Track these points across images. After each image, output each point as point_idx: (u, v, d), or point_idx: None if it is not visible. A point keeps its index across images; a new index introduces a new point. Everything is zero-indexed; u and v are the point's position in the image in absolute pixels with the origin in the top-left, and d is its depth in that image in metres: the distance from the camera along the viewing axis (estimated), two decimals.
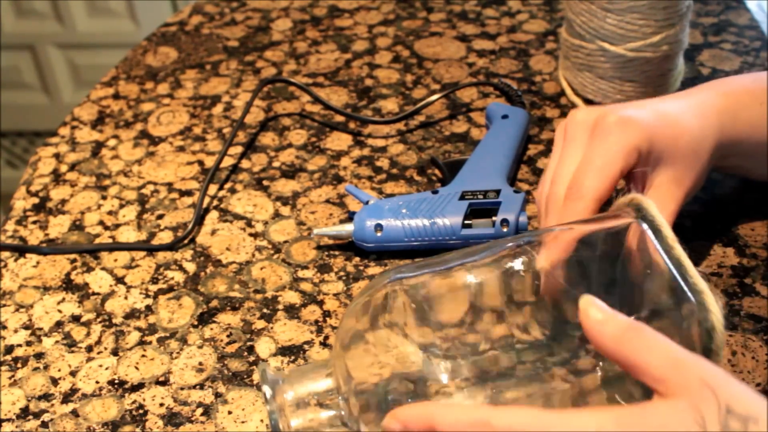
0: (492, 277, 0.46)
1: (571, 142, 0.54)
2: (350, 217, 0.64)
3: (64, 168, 0.73)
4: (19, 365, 0.56)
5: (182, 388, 0.54)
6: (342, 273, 0.61)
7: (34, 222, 0.68)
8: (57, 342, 0.58)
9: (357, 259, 0.62)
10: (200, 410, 0.52)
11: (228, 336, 0.57)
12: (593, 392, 0.45)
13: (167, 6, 1.76)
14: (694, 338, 0.42)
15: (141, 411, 0.53)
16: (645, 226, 0.44)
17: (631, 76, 0.71)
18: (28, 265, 0.64)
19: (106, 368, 0.56)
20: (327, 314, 0.58)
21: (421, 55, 0.84)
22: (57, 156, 0.75)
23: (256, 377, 0.54)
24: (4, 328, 0.59)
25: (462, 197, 0.62)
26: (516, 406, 0.41)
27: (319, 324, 0.57)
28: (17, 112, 1.95)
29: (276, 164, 0.72)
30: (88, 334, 0.58)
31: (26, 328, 0.59)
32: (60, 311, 0.60)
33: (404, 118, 0.74)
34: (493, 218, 0.60)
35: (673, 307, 0.43)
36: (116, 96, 0.82)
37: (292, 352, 0.56)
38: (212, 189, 0.69)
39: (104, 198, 0.70)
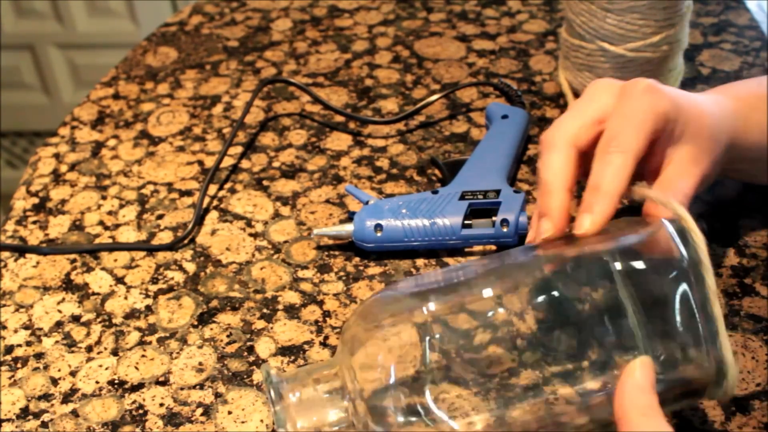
0: (505, 287, 0.46)
1: (588, 99, 0.51)
2: (350, 217, 0.64)
3: (64, 168, 0.73)
4: (19, 365, 0.56)
5: (182, 388, 0.54)
6: (342, 273, 0.61)
7: (34, 222, 0.68)
8: (57, 342, 0.58)
9: (357, 259, 0.62)
10: (200, 410, 0.52)
11: (228, 336, 0.57)
12: (598, 405, 0.44)
13: (167, 6, 1.76)
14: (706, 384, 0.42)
15: (141, 411, 0.53)
16: (688, 261, 0.42)
17: (631, 76, 0.71)
18: (28, 265, 0.64)
19: (106, 368, 0.56)
20: (327, 314, 0.58)
21: (421, 55, 0.84)
22: (57, 156, 0.75)
23: (256, 377, 0.54)
24: (4, 328, 0.59)
25: (462, 197, 0.62)
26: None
27: (319, 324, 0.57)
28: (17, 112, 1.95)
29: (276, 164, 0.72)
30: (88, 334, 0.58)
31: (26, 328, 0.59)
32: (60, 311, 0.60)
33: (404, 118, 0.74)
34: (493, 218, 0.60)
35: (692, 353, 0.43)
36: (116, 96, 0.82)
37: (292, 352, 0.56)
38: (212, 189, 0.70)
39: (104, 198, 0.70)
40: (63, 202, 0.70)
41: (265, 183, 0.70)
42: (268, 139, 0.75)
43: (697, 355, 0.42)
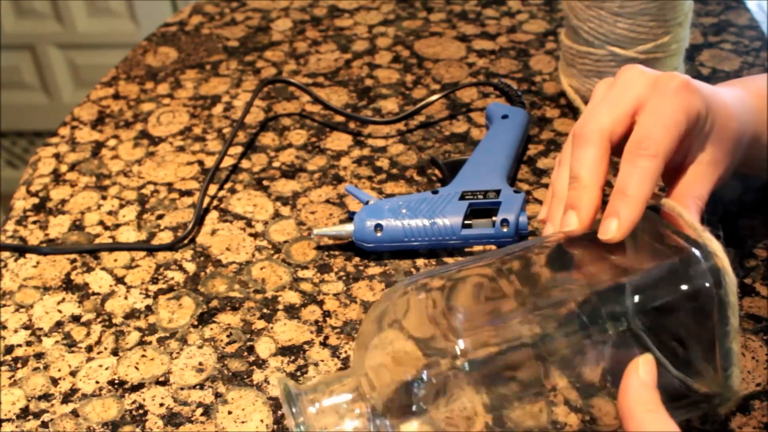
0: (511, 271, 0.46)
1: (622, 89, 0.49)
2: (350, 217, 0.64)
3: (64, 168, 0.73)
4: (19, 365, 0.56)
5: (182, 388, 0.54)
6: (342, 273, 0.61)
7: (34, 222, 0.68)
8: (57, 342, 0.58)
9: (357, 259, 0.62)
10: (200, 410, 0.52)
11: (228, 336, 0.57)
12: (599, 392, 0.45)
13: (167, 6, 1.76)
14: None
15: (141, 411, 0.53)
16: (717, 302, 0.42)
17: None
18: (28, 265, 0.64)
19: (106, 368, 0.56)
20: (327, 314, 0.58)
21: (421, 55, 0.84)
22: (57, 156, 0.75)
23: (256, 377, 0.54)
24: (4, 328, 0.59)
25: (462, 197, 0.62)
26: None
27: (319, 324, 0.57)
28: (17, 112, 1.95)
29: (276, 164, 0.72)
30: (88, 334, 0.58)
31: (26, 328, 0.59)
32: (60, 311, 0.60)
33: (404, 118, 0.74)
34: (493, 218, 0.60)
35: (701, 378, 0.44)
36: (116, 96, 0.82)
37: (292, 352, 0.56)
38: (212, 189, 0.70)
39: (104, 198, 0.70)
40: (63, 202, 0.70)
41: (265, 183, 0.70)
42: (268, 139, 0.75)
43: (706, 380, 0.44)
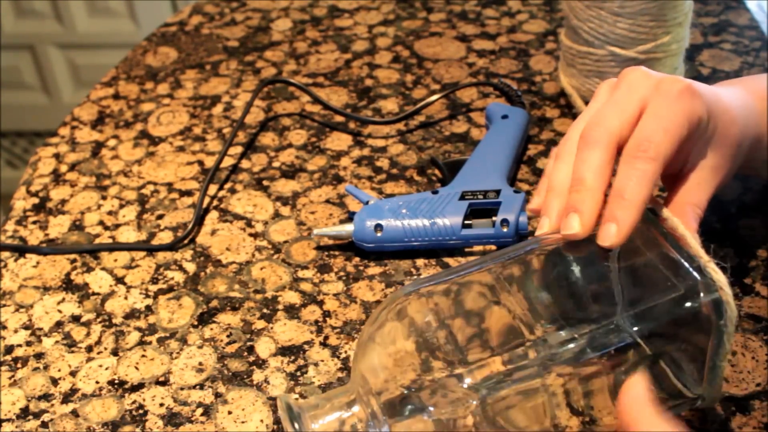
0: (505, 276, 0.47)
1: (627, 91, 0.49)
2: (350, 217, 0.64)
3: (64, 168, 0.73)
4: (19, 365, 0.56)
5: (182, 388, 0.54)
6: (342, 273, 0.61)
7: (34, 222, 0.68)
8: (57, 342, 0.58)
9: (357, 259, 0.62)
10: (200, 410, 0.52)
11: (228, 336, 0.57)
12: (597, 391, 0.45)
13: (167, 6, 1.76)
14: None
15: (141, 411, 0.53)
16: (716, 329, 0.44)
17: None
18: (28, 265, 0.64)
19: (106, 368, 0.56)
20: (327, 314, 0.58)
21: (421, 55, 0.84)
22: (57, 156, 0.75)
23: (256, 377, 0.54)
24: (4, 328, 0.59)
25: (462, 197, 0.62)
26: None
27: (319, 324, 0.57)
28: (17, 112, 1.95)
29: (276, 164, 0.72)
30: (88, 334, 0.58)
31: (26, 328, 0.59)
32: (60, 311, 0.60)
33: (404, 119, 0.74)
34: (493, 218, 0.60)
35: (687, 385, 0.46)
36: (116, 96, 0.82)
37: (292, 352, 0.56)
38: (212, 189, 0.69)
39: (104, 198, 0.70)
40: (63, 202, 0.70)
41: (265, 183, 0.70)
42: (268, 139, 0.75)
43: (690, 384, 0.45)
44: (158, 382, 0.54)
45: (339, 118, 0.76)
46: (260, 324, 0.58)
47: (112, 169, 0.73)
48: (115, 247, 0.64)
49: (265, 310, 0.59)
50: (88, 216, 0.68)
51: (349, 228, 0.61)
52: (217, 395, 0.53)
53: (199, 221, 0.66)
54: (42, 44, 1.85)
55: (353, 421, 0.44)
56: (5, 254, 0.65)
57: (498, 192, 0.62)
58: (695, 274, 0.44)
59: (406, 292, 0.46)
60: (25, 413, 0.53)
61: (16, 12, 1.83)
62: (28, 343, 0.58)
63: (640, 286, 0.48)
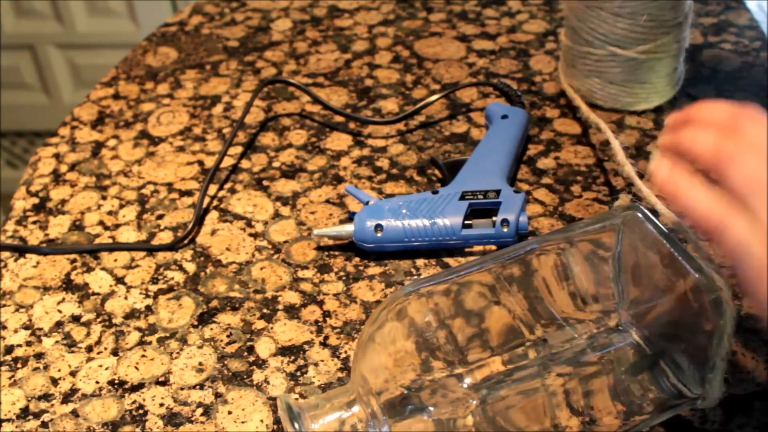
0: (504, 276, 0.47)
1: None
2: (350, 217, 0.64)
3: (64, 168, 0.73)
4: (19, 365, 0.56)
5: (182, 388, 0.54)
6: (342, 273, 0.61)
7: (34, 222, 0.68)
8: (57, 342, 0.58)
9: (357, 259, 0.62)
10: (200, 410, 0.52)
11: (228, 336, 0.57)
12: (597, 391, 0.45)
13: (167, 6, 1.76)
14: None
15: (141, 411, 0.53)
16: (715, 327, 0.44)
17: (642, 78, 0.71)
18: (28, 265, 0.64)
19: (106, 368, 0.56)
20: (327, 314, 0.58)
21: (421, 55, 0.84)
22: (57, 156, 0.75)
23: (256, 377, 0.54)
24: (4, 328, 0.59)
25: (462, 197, 0.62)
26: None
27: (319, 324, 0.57)
28: (17, 112, 1.95)
29: (276, 164, 0.72)
30: (88, 334, 0.58)
31: (26, 328, 0.59)
32: (60, 311, 0.60)
33: (404, 119, 0.74)
34: (494, 218, 0.60)
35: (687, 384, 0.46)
36: (116, 96, 0.82)
37: (292, 352, 0.56)
38: (212, 189, 0.69)
39: (104, 198, 0.70)
40: (63, 202, 0.70)
41: (265, 183, 0.70)
42: (268, 139, 0.75)
43: (692, 385, 0.46)
44: (158, 382, 0.54)
45: (339, 118, 0.76)
46: (260, 324, 0.58)
47: (112, 169, 0.73)
48: (115, 247, 0.64)
49: (265, 310, 0.59)
50: (88, 216, 0.68)
51: (349, 228, 0.61)
52: (217, 395, 0.53)
53: (199, 221, 0.66)
54: (42, 44, 1.85)
55: (353, 421, 0.44)
56: (5, 254, 0.65)
57: (498, 192, 0.62)
58: (695, 274, 0.44)
59: (406, 292, 0.46)
60: (25, 413, 0.53)
61: (16, 12, 1.83)
62: (28, 343, 0.58)
63: (640, 286, 0.48)
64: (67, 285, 0.62)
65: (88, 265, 0.63)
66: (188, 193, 0.70)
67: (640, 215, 0.47)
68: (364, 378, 0.44)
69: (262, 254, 0.63)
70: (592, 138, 0.72)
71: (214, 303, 0.60)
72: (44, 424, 0.52)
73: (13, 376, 0.55)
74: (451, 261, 0.61)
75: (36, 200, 0.70)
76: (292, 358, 0.55)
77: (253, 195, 0.69)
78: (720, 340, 0.43)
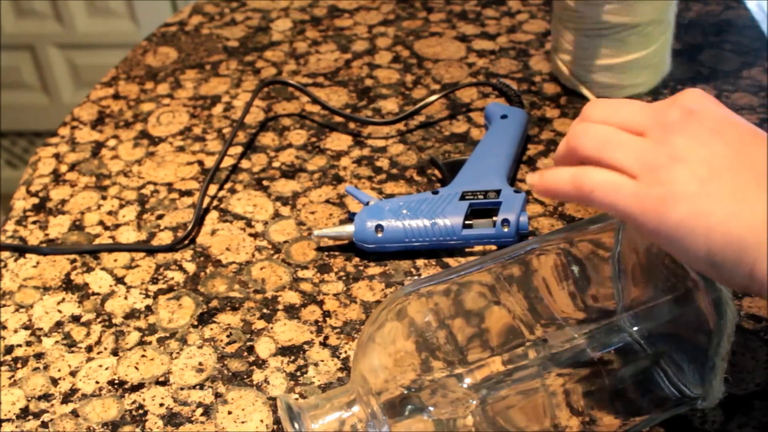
0: (503, 276, 0.47)
1: None
2: (350, 217, 0.64)
3: (64, 168, 0.73)
4: (19, 365, 0.56)
5: (182, 388, 0.54)
6: (342, 273, 0.61)
7: (34, 222, 0.68)
8: (57, 342, 0.58)
9: (357, 259, 0.62)
10: (200, 410, 0.52)
11: (228, 336, 0.57)
12: (597, 391, 0.45)
13: (167, 6, 1.76)
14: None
15: (141, 411, 0.53)
16: (715, 329, 0.44)
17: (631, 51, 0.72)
18: (28, 265, 0.64)
19: (106, 368, 0.56)
20: (327, 314, 0.58)
21: (421, 55, 0.84)
22: (57, 156, 0.75)
23: (256, 377, 0.54)
24: (4, 328, 0.59)
25: (462, 197, 0.62)
26: None
27: (319, 324, 0.57)
28: (17, 112, 1.95)
29: (276, 164, 0.72)
30: (88, 334, 0.58)
31: (26, 328, 0.59)
32: (60, 311, 0.60)
33: (404, 119, 0.74)
34: (494, 218, 0.60)
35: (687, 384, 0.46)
36: (116, 96, 0.82)
37: (292, 352, 0.56)
38: (212, 189, 0.69)
39: (104, 198, 0.70)
40: (63, 202, 0.69)
41: (265, 183, 0.70)
42: (268, 139, 0.75)
43: (691, 384, 0.46)
44: (158, 382, 0.54)
45: (339, 118, 0.76)
46: (260, 324, 0.58)
47: (112, 169, 0.73)
48: (115, 247, 0.64)
49: (265, 310, 0.59)
50: (88, 216, 0.68)
51: (349, 229, 0.61)
52: (217, 395, 0.53)
53: (199, 221, 0.66)
54: (42, 44, 1.85)
55: (353, 421, 0.44)
56: (5, 254, 0.65)
57: (498, 192, 0.62)
58: (695, 274, 0.44)
59: (406, 292, 0.46)
60: (25, 413, 0.53)
61: (16, 12, 1.83)
62: (28, 343, 0.58)
63: (640, 286, 0.48)
64: (67, 285, 0.62)
65: (88, 265, 0.63)
66: (188, 193, 0.70)
67: None
68: (364, 378, 0.44)
69: (262, 254, 0.63)
70: None
71: (214, 303, 0.60)
72: (44, 424, 0.52)
73: (13, 376, 0.55)
74: (451, 261, 0.61)
75: (36, 200, 0.70)
76: (292, 358, 0.55)
77: (253, 195, 0.69)
78: (720, 340, 0.43)
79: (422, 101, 0.74)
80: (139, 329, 0.58)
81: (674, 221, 0.38)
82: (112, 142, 0.76)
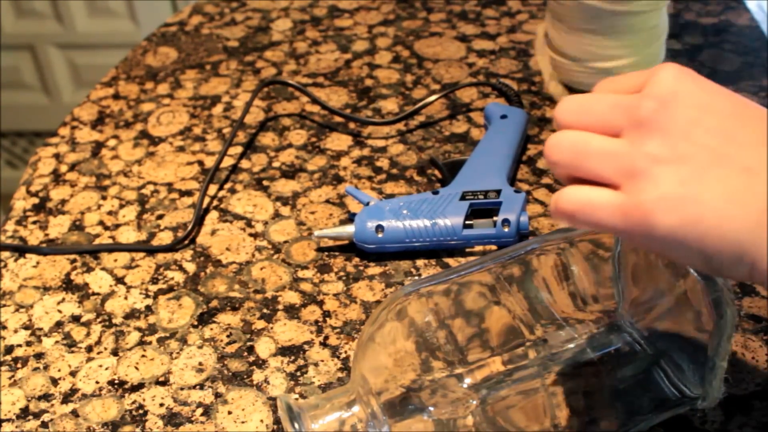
0: (503, 277, 0.47)
1: None
2: (351, 218, 0.64)
3: (64, 168, 0.73)
4: (19, 365, 0.56)
5: (182, 388, 0.54)
6: (342, 273, 0.61)
7: (34, 222, 0.68)
8: (57, 342, 0.58)
9: (357, 259, 0.62)
10: (200, 410, 0.52)
11: (228, 336, 0.57)
12: (597, 391, 0.45)
13: (167, 6, 1.76)
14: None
15: (141, 411, 0.53)
16: (715, 328, 0.44)
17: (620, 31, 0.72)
18: (28, 265, 0.64)
19: (106, 368, 0.56)
20: (327, 314, 0.58)
21: (421, 55, 0.84)
22: (57, 156, 0.75)
23: (256, 377, 0.54)
24: (4, 328, 0.59)
25: (462, 197, 0.62)
26: None
27: (319, 324, 0.57)
28: (17, 112, 1.95)
29: (276, 164, 0.72)
30: (88, 334, 0.58)
31: (26, 328, 0.59)
32: (60, 311, 0.60)
33: (404, 119, 0.74)
34: (494, 218, 0.60)
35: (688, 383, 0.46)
36: (116, 96, 0.82)
37: (292, 352, 0.56)
38: (212, 189, 0.69)
39: (104, 198, 0.70)
40: (63, 202, 0.69)
41: (265, 183, 0.70)
42: (268, 139, 0.75)
43: (691, 385, 0.46)
44: (158, 382, 0.54)
45: (339, 118, 0.76)
46: (260, 324, 0.58)
47: (112, 169, 0.73)
48: (115, 248, 0.64)
49: (265, 310, 0.59)
50: (88, 216, 0.68)
51: (350, 229, 0.61)
52: (217, 395, 0.53)
53: (199, 221, 0.66)
54: (42, 44, 1.85)
55: (353, 421, 0.44)
56: (5, 254, 0.65)
57: (498, 192, 0.62)
58: (695, 274, 0.44)
59: (406, 292, 0.46)
60: (25, 413, 0.53)
61: (16, 12, 1.83)
62: (28, 343, 0.58)
63: (640, 286, 0.48)
64: (67, 285, 0.62)
65: (88, 265, 0.63)
66: (188, 193, 0.70)
67: None
68: (364, 378, 0.44)
69: (262, 254, 0.63)
70: None
71: (214, 303, 0.60)
72: (44, 424, 0.52)
73: (13, 376, 0.55)
74: (451, 261, 0.61)
75: (36, 200, 0.70)
76: (292, 358, 0.55)
77: (253, 195, 0.69)
78: (720, 340, 0.43)
79: (422, 101, 0.74)
80: (139, 329, 0.58)
81: (663, 231, 0.36)
82: (112, 142, 0.76)
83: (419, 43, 0.86)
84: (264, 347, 0.56)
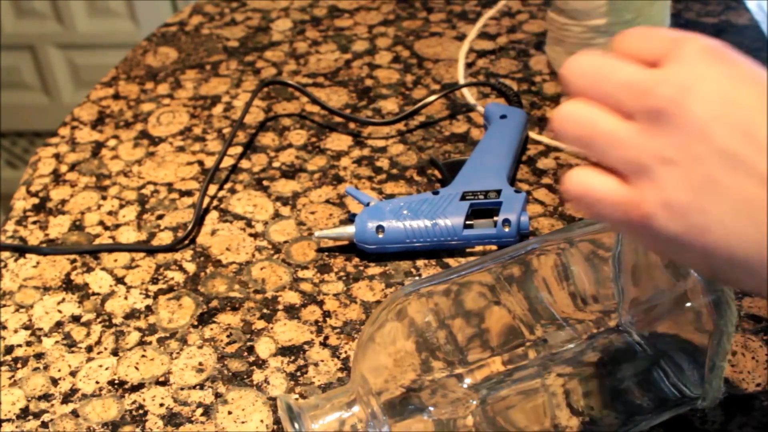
0: (503, 277, 0.47)
1: None
2: (351, 218, 0.64)
3: (64, 168, 0.73)
4: (19, 365, 0.56)
5: (182, 389, 0.54)
6: (342, 273, 0.61)
7: (34, 222, 0.68)
8: (57, 342, 0.58)
9: (357, 259, 0.62)
10: (200, 410, 0.52)
11: (228, 336, 0.57)
12: (597, 391, 0.45)
13: (167, 6, 1.76)
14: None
15: (141, 411, 0.53)
16: (716, 328, 0.44)
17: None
18: (28, 266, 0.64)
19: (106, 368, 0.56)
20: (327, 314, 0.58)
21: (421, 55, 0.84)
22: (57, 156, 0.74)
23: (256, 377, 0.54)
24: (4, 328, 0.59)
25: (463, 198, 0.62)
26: None
27: (319, 324, 0.57)
28: (17, 112, 1.95)
29: (276, 164, 0.72)
30: (88, 335, 0.58)
31: (26, 328, 0.59)
32: (60, 311, 0.60)
33: (404, 119, 0.74)
34: (495, 218, 0.60)
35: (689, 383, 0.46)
36: (116, 96, 0.82)
37: (292, 352, 0.56)
38: (212, 189, 0.69)
39: (104, 198, 0.70)
40: (63, 202, 0.69)
41: (265, 183, 0.70)
42: (268, 139, 0.75)
43: (691, 385, 0.46)
44: (158, 382, 0.54)
45: (339, 119, 0.76)
46: (260, 324, 0.58)
47: (112, 169, 0.73)
48: (115, 248, 0.64)
49: (265, 310, 0.59)
50: (88, 216, 0.68)
51: (350, 230, 0.61)
52: (217, 395, 0.53)
53: (199, 221, 0.66)
54: (42, 44, 1.85)
55: (353, 421, 0.44)
56: (5, 254, 0.65)
57: (499, 192, 0.62)
58: (695, 274, 0.44)
59: (406, 293, 0.46)
60: (25, 413, 0.53)
61: (16, 12, 1.83)
62: (28, 343, 0.58)
63: (640, 286, 0.48)
64: (67, 285, 0.62)
65: (88, 265, 0.63)
66: (188, 193, 0.70)
67: None
68: (364, 378, 0.44)
69: (262, 254, 0.63)
70: None
71: (214, 303, 0.60)
72: (44, 424, 0.52)
73: (13, 376, 0.55)
74: (451, 261, 0.61)
75: (36, 200, 0.70)
76: (292, 358, 0.55)
77: (253, 195, 0.69)
78: (720, 340, 0.43)
79: (422, 101, 0.74)
80: (139, 329, 0.58)
81: (665, 236, 0.33)
82: (112, 142, 0.76)
83: (419, 43, 0.86)
84: (264, 347, 0.56)
